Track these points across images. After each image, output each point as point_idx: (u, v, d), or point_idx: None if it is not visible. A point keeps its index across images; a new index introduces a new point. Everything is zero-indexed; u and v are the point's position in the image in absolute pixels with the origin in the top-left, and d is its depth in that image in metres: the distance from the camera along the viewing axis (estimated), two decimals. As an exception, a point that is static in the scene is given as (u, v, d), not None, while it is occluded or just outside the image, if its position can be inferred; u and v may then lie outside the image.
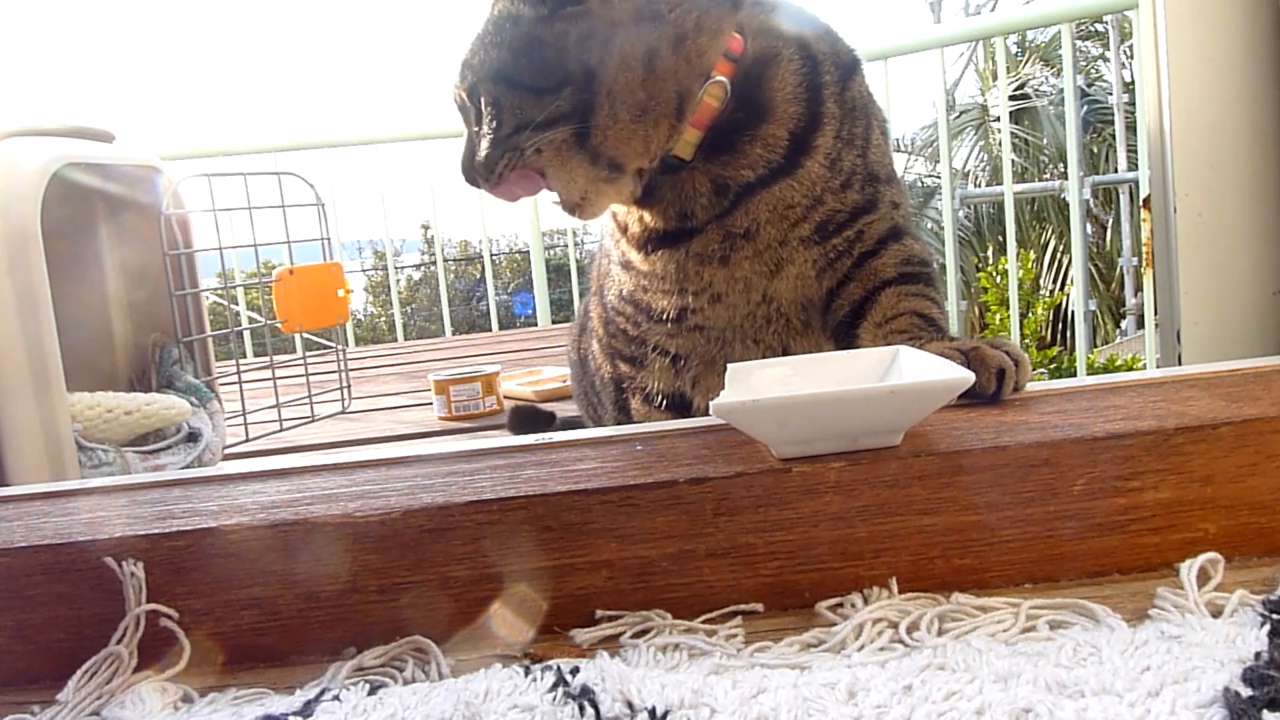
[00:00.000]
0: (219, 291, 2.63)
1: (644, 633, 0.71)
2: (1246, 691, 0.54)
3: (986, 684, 0.58)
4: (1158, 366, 1.82)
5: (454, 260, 12.56)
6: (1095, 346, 6.59)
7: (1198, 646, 0.61)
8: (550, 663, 0.65)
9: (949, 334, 1.03)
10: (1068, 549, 0.75)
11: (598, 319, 1.28)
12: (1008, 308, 3.47)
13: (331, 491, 0.79)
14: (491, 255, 5.12)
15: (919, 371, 0.81)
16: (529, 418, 1.84)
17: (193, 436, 1.68)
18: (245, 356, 3.53)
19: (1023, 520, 0.74)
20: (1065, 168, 7.90)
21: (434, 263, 5.33)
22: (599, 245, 1.33)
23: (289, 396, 2.18)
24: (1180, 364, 1.26)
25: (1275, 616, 0.63)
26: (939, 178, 3.14)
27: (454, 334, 4.30)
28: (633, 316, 1.16)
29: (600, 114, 0.99)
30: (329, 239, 2.24)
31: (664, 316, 1.12)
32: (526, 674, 0.64)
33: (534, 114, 0.99)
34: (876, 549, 0.74)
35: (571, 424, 1.68)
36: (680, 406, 1.18)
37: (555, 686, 0.62)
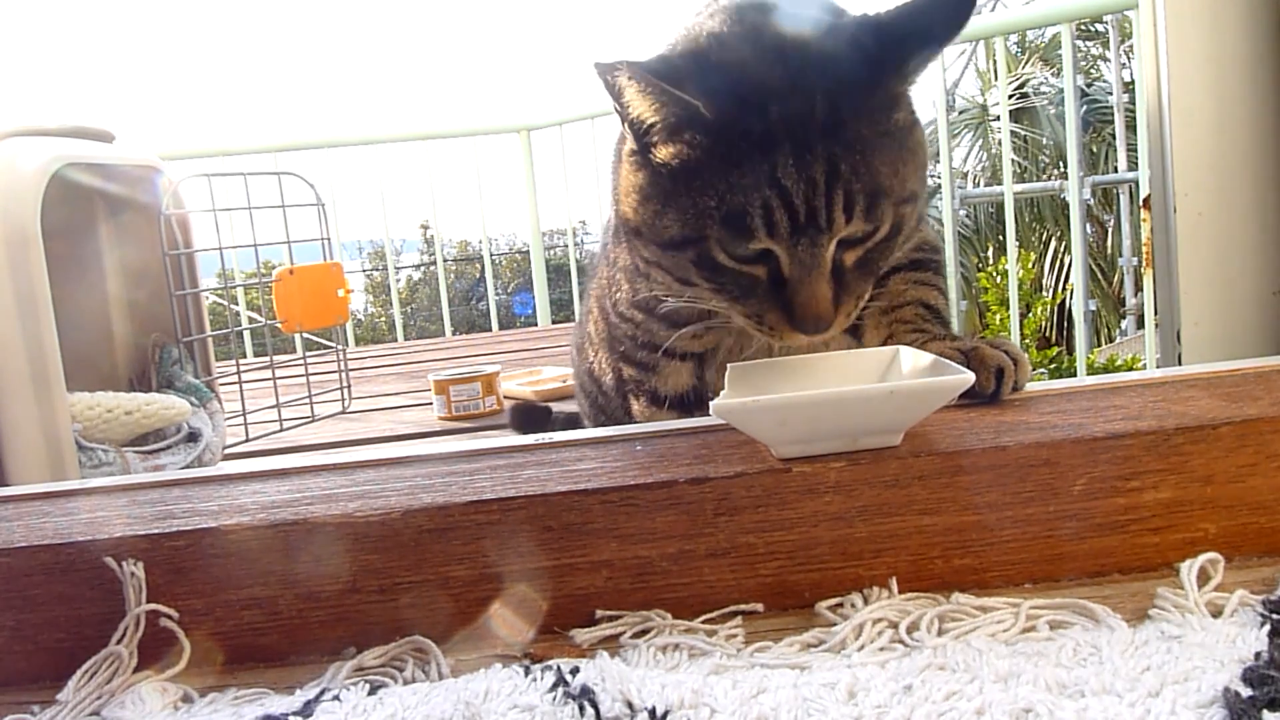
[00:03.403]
0: (219, 291, 2.63)
1: (644, 633, 0.71)
2: (1246, 691, 0.54)
3: (987, 684, 0.58)
4: (1158, 366, 1.82)
5: (454, 260, 12.57)
6: (1098, 345, 6.58)
7: (1198, 646, 0.61)
8: (550, 663, 0.65)
9: (952, 328, 1.03)
10: (1068, 549, 0.75)
11: (597, 313, 1.27)
12: (1008, 308, 3.46)
13: (331, 491, 0.79)
14: (491, 255, 5.12)
15: (919, 371, 0.81)
16: (528, 414, 1.88)
17: (193, 436, 1.68)
18: (245, 356, 3.53)
19: (1023, 520, 0.74)
20: (1065, 168, 7.89)
21: (434, 263, 5.33)
22: (601, 245, 1.31)
23: (289, 396, 2.17)
24: (1180, 364, 1.26)
25: (1275, 616, 0.63)
26: (939, 178, 3.13)
27: (454, 334, 4.30)
28: (644, 323, 1.12)
29: None
30: (329, 239, 2.24)
31: (688, 320, 1.05)
32: (526, 674, 0.64)
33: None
34: (876, 549, 0.74)
35: (569, 420, 1.71)
36: (685, 405, 1.17)
37: (555, 686, 0.62)
